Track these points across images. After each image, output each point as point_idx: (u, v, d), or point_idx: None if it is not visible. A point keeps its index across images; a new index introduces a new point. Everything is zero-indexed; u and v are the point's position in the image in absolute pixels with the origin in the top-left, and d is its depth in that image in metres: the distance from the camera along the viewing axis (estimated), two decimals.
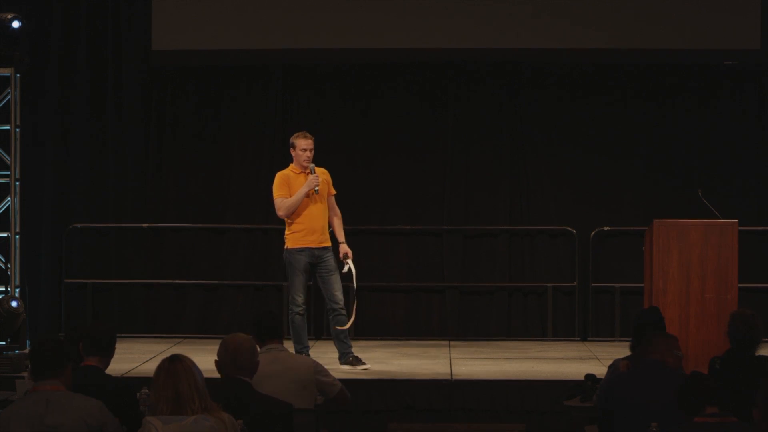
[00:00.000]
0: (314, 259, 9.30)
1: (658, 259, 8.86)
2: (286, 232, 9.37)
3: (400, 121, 12.04)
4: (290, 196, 9.23)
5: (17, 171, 10.64)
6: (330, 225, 9.45)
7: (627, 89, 11.97)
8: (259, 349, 5.89)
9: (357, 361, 9.32)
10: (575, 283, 11.83)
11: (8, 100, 10.66)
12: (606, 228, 11.78)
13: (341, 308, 9.30)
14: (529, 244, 12.02)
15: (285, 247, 9.37)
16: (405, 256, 12.06)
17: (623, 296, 11.68)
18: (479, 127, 12.04)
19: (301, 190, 9.19)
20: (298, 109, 12.08)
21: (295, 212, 9.25)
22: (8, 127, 10.64)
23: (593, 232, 11.79)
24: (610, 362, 7.02)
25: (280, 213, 9.31)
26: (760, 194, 11.75)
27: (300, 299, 9.27)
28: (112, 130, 11.93)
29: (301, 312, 9.27)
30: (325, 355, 9.53)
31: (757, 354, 6.65)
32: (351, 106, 12.07)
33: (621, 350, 8.77)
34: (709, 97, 11.91)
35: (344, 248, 9.45)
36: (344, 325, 9.30)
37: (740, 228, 8.97)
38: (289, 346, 8.24)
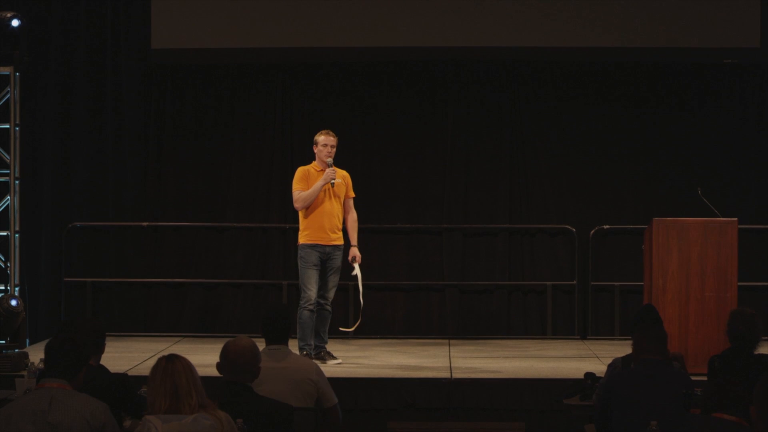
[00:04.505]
0: (325, 256, 9.40)
1: (657, 257, 8.86)
2: (300, 228, 9.49)
3: (400, 120, 12.05)
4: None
5: (17, 170, 10.65)
6: (344, 226, 9.55)
7: (627, 87, 11.96)
8: (264, 345, 5.91)
9: (329, 356, 9.47)
10: (575, 282, 11.82)
11: (8, 98, 10.66)
12: (605, 226, 11.77)
13: (327, 304, 9.47)
14: (528, 243, 12.02)
15: (298, 243, 9.49)
16: (405, 255, 12.06)
17: (623, 295, 11.69)
18: (479, 126, 12.04)
19: (318, 183, 9.37)
20: (299, 107, 12.07)
21: (309, 207, 9.39)
22: (8, 126, 10.65)
23: (593, 231, 11.78)
24: (609, 361, 7.02)
25: (297, 205, 9.47)
26: (760, 193, 11.74)
27: (312, 294, 9.33)
28: (111, 129, 11.92)
29: (310, 308, 9.33)
30: None
31: (756, 353, 6.65)
32: (351, 105, 12.07)
33: (621, 349, 8.80)
34: (708, 95, 11.91)
35: (354, 251, 9.61)
36: (328, 320, 9.48)
37: (740, 226, 8.98)
38: (292, 344, 8.22)
